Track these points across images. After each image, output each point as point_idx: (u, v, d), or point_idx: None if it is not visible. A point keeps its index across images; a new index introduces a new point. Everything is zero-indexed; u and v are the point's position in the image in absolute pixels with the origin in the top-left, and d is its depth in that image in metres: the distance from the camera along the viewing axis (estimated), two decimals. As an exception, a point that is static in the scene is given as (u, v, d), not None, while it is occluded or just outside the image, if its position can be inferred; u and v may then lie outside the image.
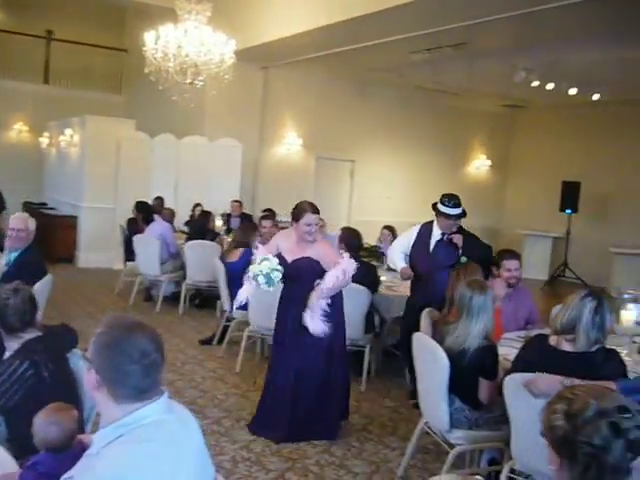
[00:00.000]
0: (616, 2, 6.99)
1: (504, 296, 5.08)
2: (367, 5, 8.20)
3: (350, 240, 6.20)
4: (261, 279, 4.44)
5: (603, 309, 3.22)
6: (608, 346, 3.40)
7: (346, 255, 4.70)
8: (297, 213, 4.78)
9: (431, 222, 5.75)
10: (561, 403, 1.77)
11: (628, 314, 4.34)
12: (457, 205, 5.44)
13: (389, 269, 7.35)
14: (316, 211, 4.82)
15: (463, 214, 5.50)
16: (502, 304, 4.82)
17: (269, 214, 9.19)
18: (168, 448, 1.83)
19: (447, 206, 5.41)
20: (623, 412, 1.67)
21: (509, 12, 7.53)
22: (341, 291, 4.76)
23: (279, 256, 4.63)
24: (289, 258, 4.72)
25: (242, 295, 4.79)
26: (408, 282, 5.89)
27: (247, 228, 7.48)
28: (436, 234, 5.63)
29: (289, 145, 12.90)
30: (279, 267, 4.48)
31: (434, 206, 5.58)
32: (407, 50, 9.92)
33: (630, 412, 1.66)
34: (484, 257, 5.28)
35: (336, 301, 4.70)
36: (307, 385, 4.74)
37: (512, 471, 3.48)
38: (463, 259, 5.30)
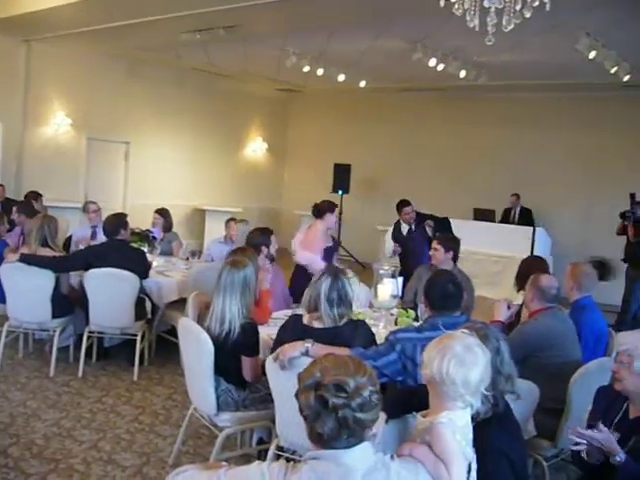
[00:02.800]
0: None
1: (273, 277, 5.22)
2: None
3: (106, 225, 5.93)
4: None
5: (339, 285, 3.41)
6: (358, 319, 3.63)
7: None
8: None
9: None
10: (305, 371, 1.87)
11: (384, 288, 4.62)
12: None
13: (162, 253, 7.20)
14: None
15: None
16: (270, 286, 4.92)
17: (34, 196, 8.64)
18: None
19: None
20: (339, 391, 1.76)
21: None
22: None
23: None
24: None
25: None
26: (182, 267, 6.60)
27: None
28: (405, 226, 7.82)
29: (57, 125, 12.01)
30: None
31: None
32: (179, 30, 9.68)
33: (346, 392, 1.75)
34: (448, 227, 7.40)
35: None
36: None
37: (280, 449, 3.56)
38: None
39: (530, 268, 4.90)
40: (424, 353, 2.14)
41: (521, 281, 4.86)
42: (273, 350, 3.36)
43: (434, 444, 1.93)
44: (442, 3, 3.59)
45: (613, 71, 9.18)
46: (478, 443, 2.33)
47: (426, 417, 2.04)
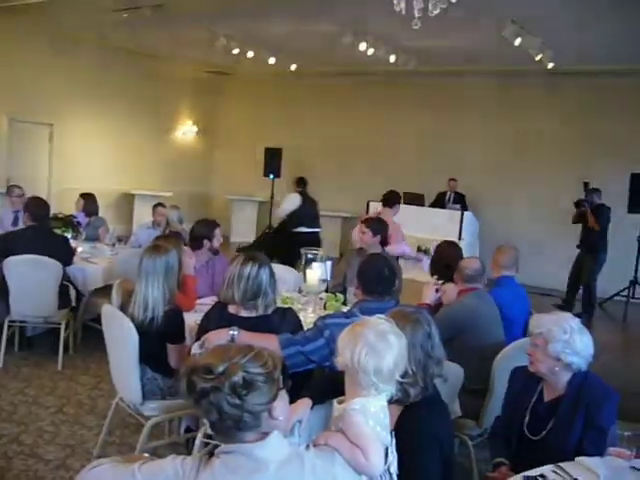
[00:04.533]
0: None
1: (204, 264, 5.16)
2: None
3: (35, 209, 5.71)
4: None
5: (252, 278, 3.34)
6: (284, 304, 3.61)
7: None
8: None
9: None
10: None
11: (312, 273, 4.60)
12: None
13: (87, 239, 7.02)
14: None
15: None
16: (197, 272, 4.85)
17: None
18: None
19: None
20: (206, 373, 1.72)
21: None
22: None
23: None
24: None
25: None
26: (108, 254, 6.60)
27: None
28: None
29: (-26, 105, 11.53)
30: None
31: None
32: (103, 8, 9.39)
33: (212, 373, 1.72)
34: None
35: None
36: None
37: (208, 436, 3.51)
38: None
39: (443, 252, 5.00)
40: (338, 340, 2.12)
41: (435, 266, 4.93)
42: (198, 338, 3.30)
43: (347, 430, 1.91)
44: (369, -14, 3.57)
45: (538, 58, 9.41)
46: (408, 426, 2.35)
47: (341, 404, 2.03)
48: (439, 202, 12.07)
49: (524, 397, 2.96)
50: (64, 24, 11.03)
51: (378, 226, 5.57)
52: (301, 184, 9.75)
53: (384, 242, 5.64)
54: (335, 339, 3.13)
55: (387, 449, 1.99)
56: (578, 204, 9.59)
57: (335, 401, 2.09)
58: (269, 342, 3.09)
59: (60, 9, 9.62)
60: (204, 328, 3.36)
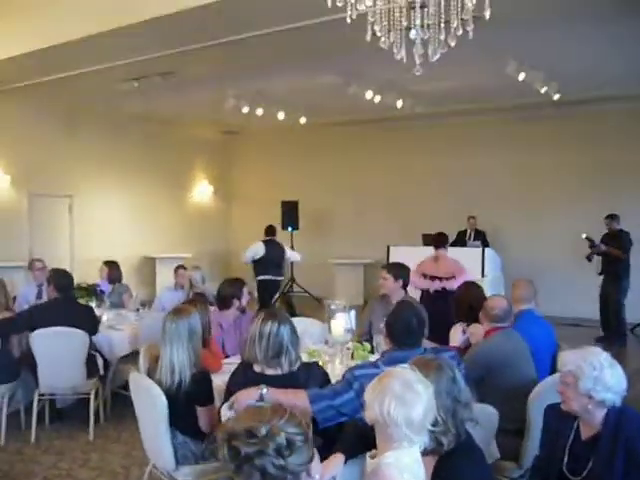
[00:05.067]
0: (304, 32, 7.41)
1: (231, 323, 5.18)
2: (67, 33, 7.77)
3: (59, 280, 5.78)
4: None
5: (273, 336, 3.31)
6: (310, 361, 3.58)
7: None
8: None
9: None
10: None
11: (337, 323, 4.58)
12: None
13: (111, 306, 7.07)
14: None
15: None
16: (222, 330, 4.85)
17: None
18: None
19: None
20: (250, 437, 1.70)
21: (207, 42, 7.68)
22: None
23: None
24: None
25: None
26: (133, 319, 6.66)
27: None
28: None
29: (-6, 183, 11.80)
30: None
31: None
32: (115, 79, 9.66)
33: (257, 438, 1.69)
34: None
35: None
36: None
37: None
38: None
39: (465, 294, 4.95)
40: (365, 394, 2.09)
41: (459, 308, 4.85)
42: (226, 399, 3.27)
43: None
44: (368, 38, 3.64)
45: (543, 91, 9.47)
46: (444, 476, 2.29)
47: (374, 459, 1.99)
48: (460, 241, 12.01)
49: (560, 436, 2.88)
50: (77, 97, 11.33)
51: (399, 271, 5.55)
52: (269, 233, 10.09)
53: (405, 286, 5.61)
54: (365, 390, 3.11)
55: None
56: (589, 259, 9.63)
57: (367, 456, 2.05)
58: (299, 398, 3.07)
59: (73, 83, 9.88)
60: (231, 389, 3.33)
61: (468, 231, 12.13)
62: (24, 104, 11.49)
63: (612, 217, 9.49)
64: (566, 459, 2.84)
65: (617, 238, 9.34)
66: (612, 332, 9.45)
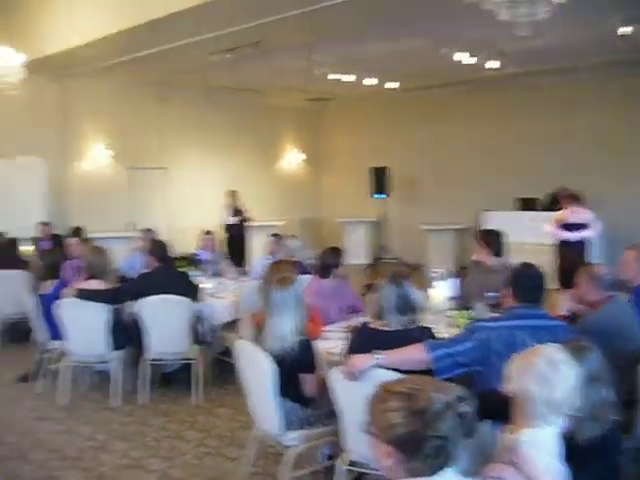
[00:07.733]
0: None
1: (332, 290, 5.25)
2: (166, 6, 7.91)
3: (159, 251, 6.01)
4: None
5: (404, 291, 3.37)
6: (423, 324, 3.60)
7: None
8: None
9: None
10: (397, 400, 1.65)
11: (436, 291, 4.55)
12: None
13: (214, 274, 7.27)
14: None
15: None
16: (319, 299, 4.90)
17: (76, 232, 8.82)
18: None
19: None
20: (462, 400, 1.64)
21: (297, 9, 7.65)
22: None
23: None
24: None
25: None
26: (231, 288, 6.63)
27: (55, 252, 7.03)
28: None
29: (97, 158, 12.28)
30: None
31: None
32: (206, 52, 9.80)
33: (466, 399, 1.64)
34: None
35: None
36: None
37: (352, 463, 3.52)
38: None
39: (566, 258, 4.76)
40: (507, 367, 2.05)
41: (563, 276, 4.68)
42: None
43: (521, 467, 1.85)
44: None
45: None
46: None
47: (512, 434, 1.95)
48: (553, 204, 11.58)
49: None
50: (168, 73, 11.58)
51: (486, 238, 5.52)
52: None
53: (499, 251, 5.48)
54: (486, 343, 3.07)
55: None
56: None
57: (506, 430, 2.02)
58: (415, 350, 3.14)
59: (168, 58, 10.10)
60: (351, 349, 3.48)
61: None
62: (120, 81, 11.87)
63: None
64: None
65: None
66: None
